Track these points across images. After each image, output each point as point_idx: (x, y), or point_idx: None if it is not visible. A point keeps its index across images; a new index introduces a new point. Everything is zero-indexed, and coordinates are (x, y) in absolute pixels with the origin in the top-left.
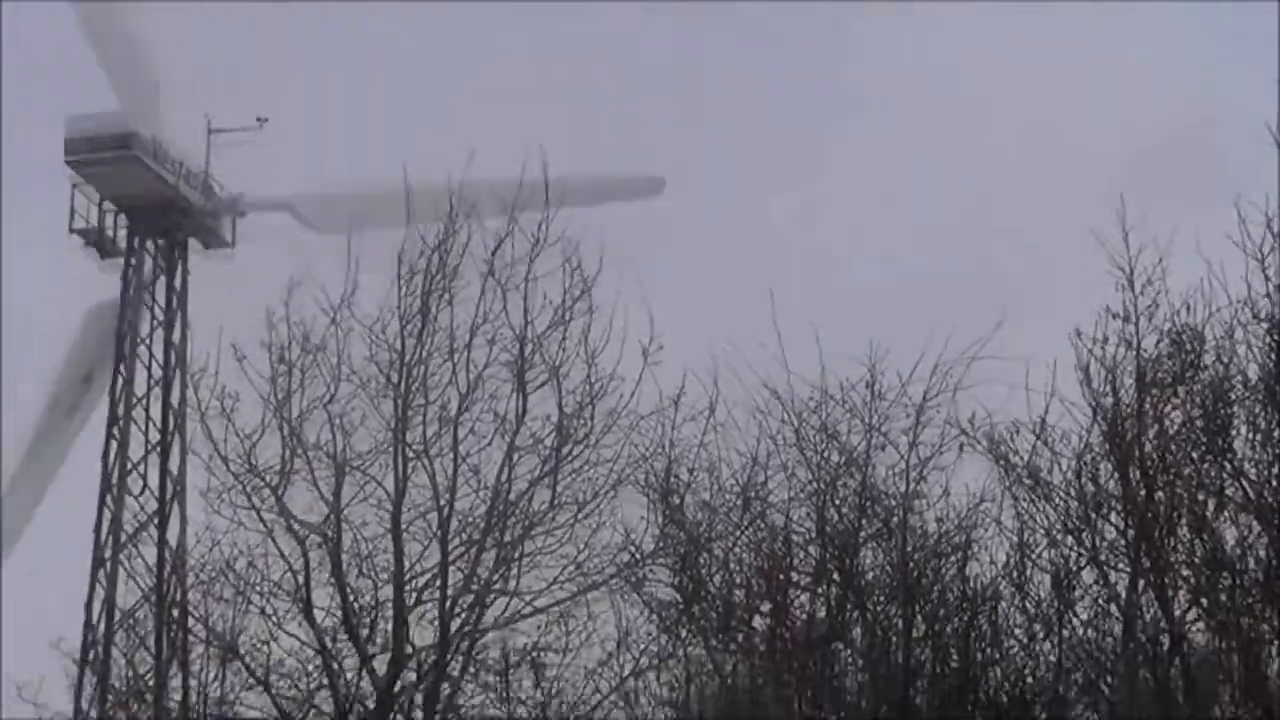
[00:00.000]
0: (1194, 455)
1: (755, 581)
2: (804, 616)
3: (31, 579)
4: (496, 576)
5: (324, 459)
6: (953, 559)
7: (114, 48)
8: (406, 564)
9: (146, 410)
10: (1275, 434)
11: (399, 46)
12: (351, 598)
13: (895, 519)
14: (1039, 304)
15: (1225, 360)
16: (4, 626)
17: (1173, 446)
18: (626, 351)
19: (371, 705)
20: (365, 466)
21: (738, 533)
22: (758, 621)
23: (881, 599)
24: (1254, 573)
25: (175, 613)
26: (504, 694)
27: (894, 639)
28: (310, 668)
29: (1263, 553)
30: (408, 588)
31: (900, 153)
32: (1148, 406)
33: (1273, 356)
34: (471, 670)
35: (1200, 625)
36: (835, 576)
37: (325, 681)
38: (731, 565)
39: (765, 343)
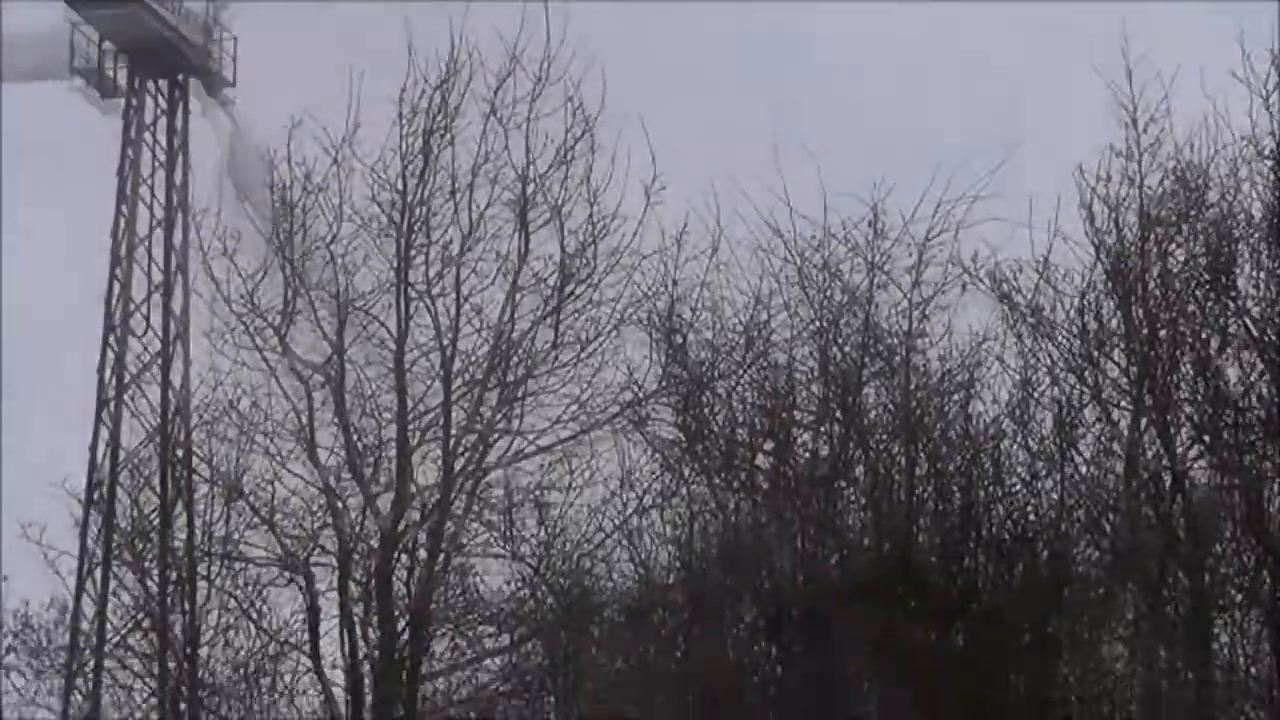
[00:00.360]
0: (1197, 293)
1: (758, 420)
2: (807, 455)
3: (35, 420)
4: (499, 416)
5: (326, 299)
6: (955, 397)
7: None
8: (410, 403)
9: (149, 251)
10: (1279, 271)
11: None
12: (355, 437)
13: (898, 357)
14: (1041, 142)
15: (1229, 197)
16: (7, 468)
17: (1176, 284)
18: (629, 191)
19: (375, 544)
20: (368, 306)
21: (740, 371)
22: (760, 460)
23: (884, 437)
24: (1256, 410)
25: (179, 453)
26: (507, 532)
27: (896, 477)
28: (314, 507)
29: (1265, 390)
30: (411, 427)
31: None
32: (1151, 244)
33: (1277, 193)
34: (475, 509)
35: (1202, 463)
36: (838, 415)
37: (329, 520)
38: (734, 404)
39: (766, 180)
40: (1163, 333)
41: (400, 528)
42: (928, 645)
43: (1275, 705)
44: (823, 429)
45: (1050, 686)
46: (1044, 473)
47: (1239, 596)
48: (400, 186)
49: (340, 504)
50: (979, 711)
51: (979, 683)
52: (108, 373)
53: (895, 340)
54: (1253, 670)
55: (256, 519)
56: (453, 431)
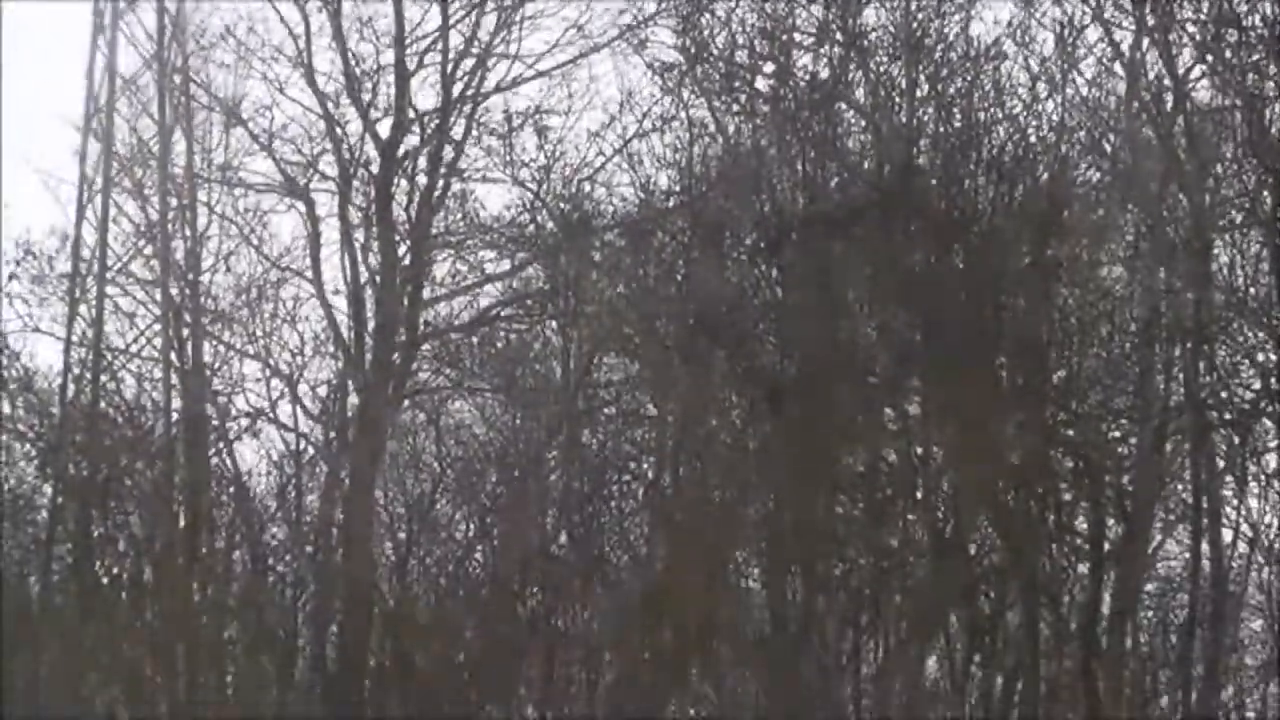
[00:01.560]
0: None
1: (758, 42)
2: (807, 76)
3: (31, 48)
4: (497, 38)
5: None
6: (956, 18)
7: None
8: (407, 27)
9: None
10: None
11: None
12: (353, 61)
13: None
14: None
15: None
16: (6, 96)
17: None
18: None
19: (375, 168)
20: None
21: None
22: (760, 82)
23: (884, 58)
24: (1259, 29)
25: (177, 78)
26: (507, 156)
27: (897, 99)
28: (313, 132)
29: (1269, 8)
30: (409, 51)
31: None
32: None
33: None
34: (474, 133)
35: (1204, 82)
36: (838, 36)
37: (329, 145)
38: (734, 25)
39: None
40: None
41: (400, 152)
42: (927, 267)
43: (1274, 325)
44: (823, 50)
45: (1049, 308)
46: (1045, 94)
47: (1239, 216)
48: None
49: (339, 128)
50: (978, 333)
51: (977, 304)
52: None
53: None
54: (1252, 290)
55: (255, 144)
56: (451, 55)
